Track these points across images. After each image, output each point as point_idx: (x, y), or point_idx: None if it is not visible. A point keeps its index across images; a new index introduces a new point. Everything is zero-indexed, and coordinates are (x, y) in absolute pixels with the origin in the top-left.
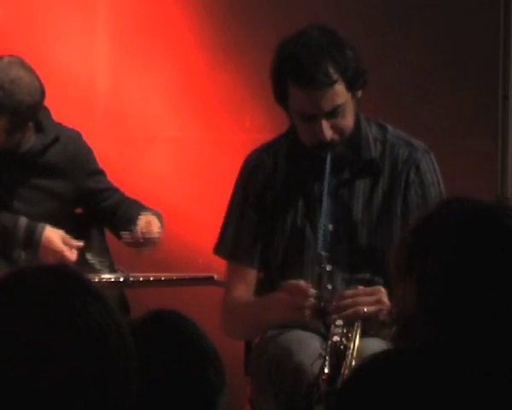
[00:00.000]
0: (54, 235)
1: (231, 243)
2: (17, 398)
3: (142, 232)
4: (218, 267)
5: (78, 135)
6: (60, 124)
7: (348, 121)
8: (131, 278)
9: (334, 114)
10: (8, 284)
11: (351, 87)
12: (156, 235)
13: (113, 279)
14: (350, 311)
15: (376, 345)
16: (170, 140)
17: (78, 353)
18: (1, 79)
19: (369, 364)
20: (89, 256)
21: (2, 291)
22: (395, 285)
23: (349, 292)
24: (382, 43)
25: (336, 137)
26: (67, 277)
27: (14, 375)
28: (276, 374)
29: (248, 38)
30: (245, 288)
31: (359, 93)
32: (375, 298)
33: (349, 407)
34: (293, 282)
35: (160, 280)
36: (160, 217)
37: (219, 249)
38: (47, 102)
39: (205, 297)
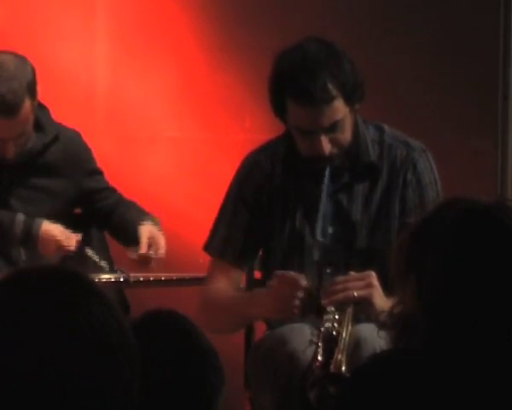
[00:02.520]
0: (52, 226)
1: (222, 242)
2: (18, 398)
3: (148, 251)
4: None
5: (78, 135)
6: (59, 123)
7: (346, 135)
8: (131, 278)
9: (332, 129)
10: (11, 284)
11: (349, 101)
12: (161, 254)
13: (113, 279)
14: (340, 295)
15: (368, 330)
16: (170, 140)
17: (82, 352)
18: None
19: (369, 365)
20: (89, 250)
21: (4, 291)
22: (395, 286)
23: (339, 278)
24: (382, 43)
25: (335, 150)
26: (70, 277)
27: (16, 375)
28: (270, 365)
29: (248, 39)
30: (227, 283)
31: (357, 105)
32: (365, 282)
33: (350, 408)
34: (284, 271)
35: (160, 280)
36: (158, 223)
37: (209, 247)
38: (47, 102)
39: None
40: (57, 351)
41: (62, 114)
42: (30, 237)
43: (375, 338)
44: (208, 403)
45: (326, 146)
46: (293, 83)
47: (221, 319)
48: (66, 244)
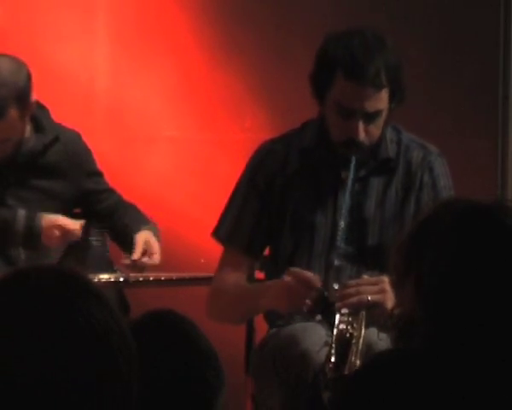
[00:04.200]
0: (53, 216)
1: (230, 228)
2: (18, 399)
3: (142, 258)
4: None
5: (78, 135)
6: (59, 124)
7: (379, 130)
8: (131, 278)
9: (372, 117)
10: (10, 284)
11: (392, 98)
12: (155, 260)
13: (113, 279)
14: (354, 299)
15: (380, 334)
16: (170, 140)
17: (80, 353)
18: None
19: (370, 365)
20: (92, 238)
21: (3, 291)
22: (395, 287)
23: (352, 282)
24: None
25: (366, 141)
26: (69, 277)
27: (15, 375)
28: (281, 363)
29: (248, 38)
30: (237, 273)
31: (393, 106)
32: (378, 287)
33: (352, 408)
34: (300, 270)
35: (160, 280)
36: (156, 231)
37: (218, 232)
38: (47, 102)
39: (205, 297)
40: (56, 351)
41: (62, 114)
42: (33, 231)
43: (386, 342)
44: (208, 404)
45: (362, 132)
46: (350, 59)
47: (229, 309)
48: (71, 228)
